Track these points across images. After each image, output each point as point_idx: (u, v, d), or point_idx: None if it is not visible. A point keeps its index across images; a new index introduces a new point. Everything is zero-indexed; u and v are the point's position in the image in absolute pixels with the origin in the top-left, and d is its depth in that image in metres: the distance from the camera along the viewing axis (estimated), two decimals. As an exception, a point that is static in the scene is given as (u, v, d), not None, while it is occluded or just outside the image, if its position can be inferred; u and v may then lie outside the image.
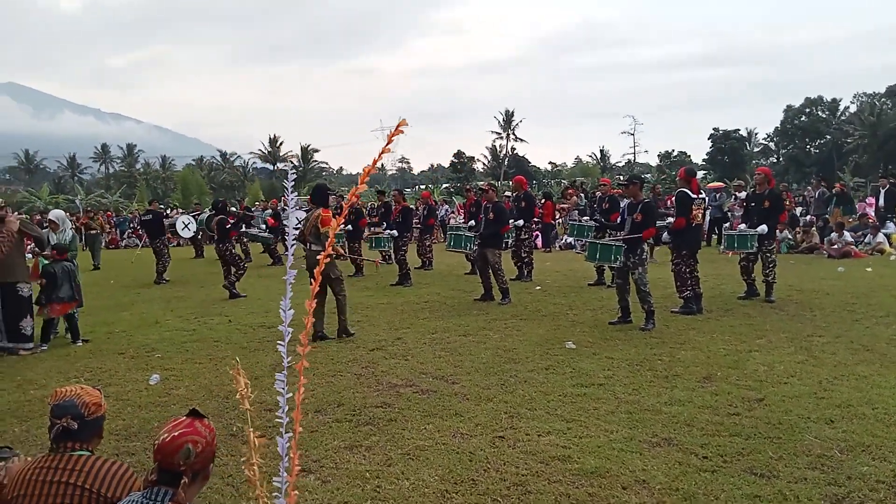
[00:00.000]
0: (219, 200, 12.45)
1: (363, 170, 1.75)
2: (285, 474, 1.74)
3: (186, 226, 17.82)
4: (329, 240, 1.92)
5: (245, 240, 17.78)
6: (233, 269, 11.03)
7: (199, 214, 19.49)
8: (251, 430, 1.78)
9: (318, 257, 1.84)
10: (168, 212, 23.43)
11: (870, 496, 3.32)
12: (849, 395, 4.83)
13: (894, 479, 3.49)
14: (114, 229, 27.90)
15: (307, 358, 1.75)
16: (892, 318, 7.45)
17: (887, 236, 14.89)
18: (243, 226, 17.78)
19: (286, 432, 1.72)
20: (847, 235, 14.49)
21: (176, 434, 1.91)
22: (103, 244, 21.25)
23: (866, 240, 14.87)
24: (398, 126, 1.67)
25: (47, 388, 5.71)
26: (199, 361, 6.57)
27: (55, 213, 8.35)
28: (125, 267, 17.35)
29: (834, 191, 17.73)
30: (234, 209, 18.28)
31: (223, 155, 77.97)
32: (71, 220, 10.38)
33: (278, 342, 1.78)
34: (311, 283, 1.79)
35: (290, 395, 1.77)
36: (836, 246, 14.21)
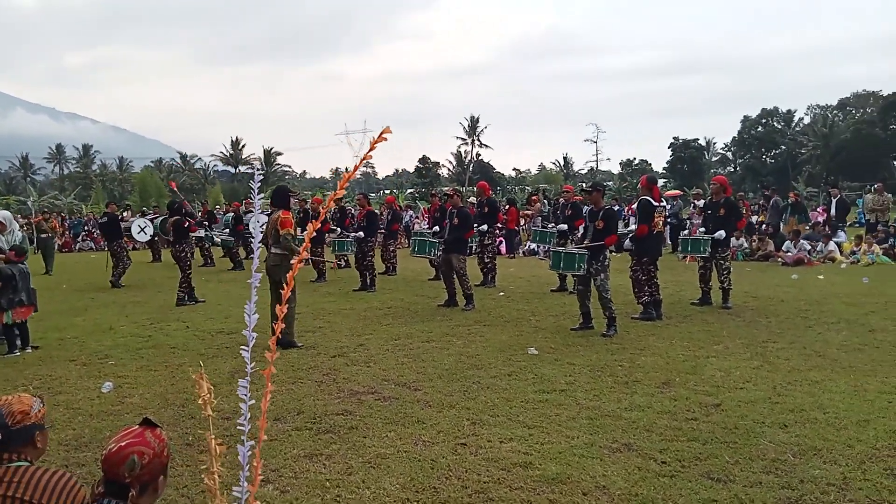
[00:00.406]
0: (174, 201, 12.18)
1: (342, 175, 1.72)
2: (246, 484, 1.69)
3: (143, 229, 17.40)
4: (304, 243, 1.86)
5: (207, 244, 17.47)
6: (182, 276, 10.64)
7: (156, 218, 19.10)
8: (212, 437, 1.72)
9: (293, 261, 1.80)
10: (123, 214, 22.85)
11: (821, 499, 3.40)
12: (802, 400, 4.95)
13: (843, 482, 3.58)
14: (67, 232, 27.12)
15: (265, 364, 1.71)
16: (842, 325, 7.68)
17: (838, 245, 15.37)
18: (205, 225, 17.48)
19: (248, 440, 1.67)
20: (804, 243, 14.92)
21: (123, 444, 1.84)
22: (56, 248, 20.62)
23: (818, 248, 15.32)
24: (381, 133, 1.65)
25: (-7, 396, 5.49)
26: (155, 369, 6.41)
27: (2, 214, 8.06)
28: (78, 271, 16.88)
29: (789, 201, 18.26)
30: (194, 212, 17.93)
31: (183, 157, 76.56)
32: (23, 222, 10.03)
33: (241, 347, 1.73)
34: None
35: (253, 401, 1.72)
36: (789, 253, 14.61)
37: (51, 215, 22.53)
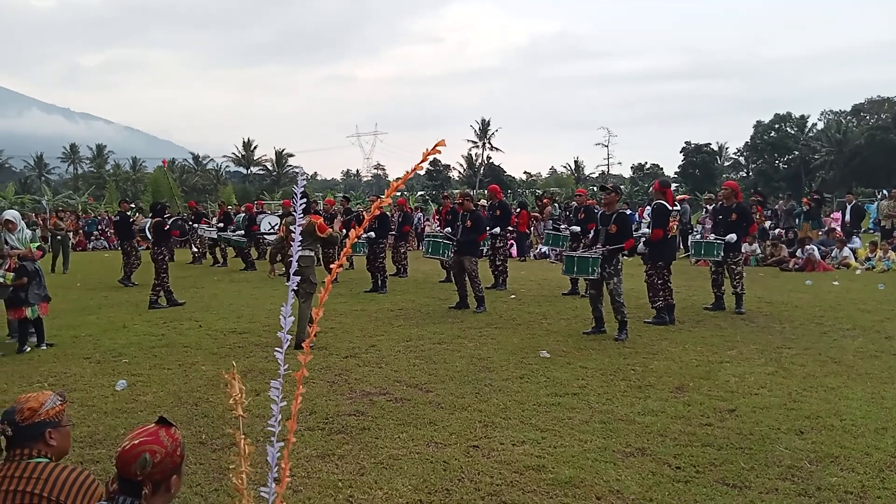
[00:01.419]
0: (157, 203, 12.32)
1: (391, 184, 1.72)
2: (273, 485, 1.69)
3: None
4: (346, 249, 1.84)
5: (222, 245, 17.56)
6: (155, 278, 10.36)
7: (169, 218, 19.18)
8: (242, 437, 1.73)
9: (332, 266, 1.80)
10: (136, 215, 22.92)
11: (839, 507, 3.36)
12: (818, 407, 4.90)
13: (861, 490, 3.54)
14: (81, 231, 27.34)
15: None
16: (858, 331, 7.60)
17: (853, 251, 15.23)
18: (194, 228, 17.58)
19: (277, 441, 1.68)
20: (810, 248, 14.79)
21: (136, 442, 1.84)
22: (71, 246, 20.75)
23: (833, 254, 15.18)
24: (436, 145, 1.66)
25: (8, 393, 5.54)
26: (168, 367, 6.44)
27: (11, 213, 8.13)
28: (92, 269, 17.01)
29: (803, 207, 18.13)
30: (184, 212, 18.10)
31: (195, 157, 77.01)
32: (37, 221, 10.09)
33: (276, 349, 1.74)
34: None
35: (285, 403, 1.72)
36: (800, 257, 14.51)
37: (66, 214, 22.67)
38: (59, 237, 17.42)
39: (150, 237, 11.07)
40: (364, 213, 14.88)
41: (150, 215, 11.41)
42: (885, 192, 20.49)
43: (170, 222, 11.19)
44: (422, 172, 76.84)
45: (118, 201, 19.82)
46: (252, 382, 5.77)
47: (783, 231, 17.28)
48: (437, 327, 8.25)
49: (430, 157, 1.64)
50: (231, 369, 1.85)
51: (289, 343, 1.72)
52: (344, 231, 8.47)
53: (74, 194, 51.30)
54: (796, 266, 14.25)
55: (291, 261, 1.76)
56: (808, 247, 14.83)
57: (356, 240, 1.77)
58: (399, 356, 6.73)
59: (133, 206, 20.24)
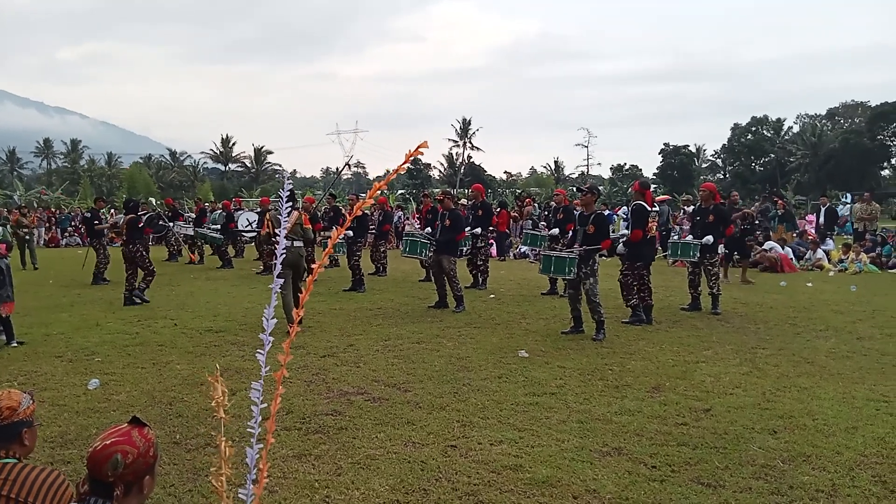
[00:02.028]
0: (131, 199, 12.17)
1: (374, 184, 1.71)
2: (252, 486, 1.67)
3: None
4: (328, 249, 1.84)
5: (199, 242, 17.35)
6: (141, 274, 10.43)
7: (143, 214, 18.95)
8: (223, 439, 1.70)
9: (313, 266, 1.79)
10: (110, 212, 22.50)
11: (811, 505, 3.41)
12: (791, 407, 4.97)
13: (832, 488, 3.59)
14: (55, 227, 26.87)
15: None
16: (831, 332, 7.73)
17: (826, 253, 15.49)
18: (162, 222, 17.37)
19: (256, 443, 1.66)
20: (777, 247, 15.03)
21: (108, 443, 1.81)
22: (39, 243, 20.40)
23: (807, 256, 15.43)
24: (418, 147, 1.67)
25: (-23, 392, 5.41)
26: (142, 366, 6.34)
27: None
28: (65, 266, 16.70)
29: (777, 210, 18.41)
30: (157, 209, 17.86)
31: (173, 154, 76.06)
32: (8, 217, 9.89)
33: (258, 350, 1.71)
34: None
35: (265, 404, 1.71)
36: (769, 254, 14.76)
37: (29, 210, 22.18)
38: (22, 234, 17.07)
39: (123, 234, 10.92)
40: (344, 209, 14.83)
41: (124, 212, 11.25)
42: (848, 195, 20.87)
43: (144, 219, 11.04)
44: (402, 171, 76.67)
45: (94, 198, 19.42)
46: (228, 382, 5.67)
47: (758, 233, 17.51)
48: (415, 326, 8.23)
49: (412, 158, 1.63)
50: (214, 372, 1.83)
51: (271, 344, 1.70)
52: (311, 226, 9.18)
53: (48, 189, 50.41)
54: (762, 266, 14.49)
55: (275, 262, 1.74)
56: (768, 243, 15.07)
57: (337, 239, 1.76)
58: (377, 355, 6.70)
59: (107, 204, 19.73)
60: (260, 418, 1.65)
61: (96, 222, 13.67)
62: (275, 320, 1.69)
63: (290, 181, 1.88)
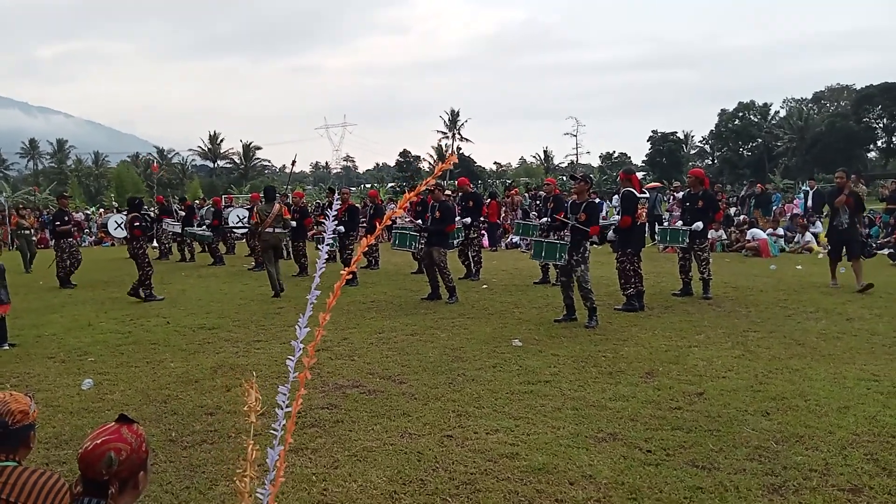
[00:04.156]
0: (135, 198, 12.06)
1: (405, 196, 1.74)
2: (269, 486, 1.70)
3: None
4: (362, 245, 1.88)
5: (188, 240, 17.26)
6: (138, 273, 10.51)
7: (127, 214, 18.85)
8: (251, 443, 1.73)
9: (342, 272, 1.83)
10: (93, 212, 22.28)
11: (804, 484, 3.45)
12: (783, 388, 5.01)
13: (825, 468, 3.63)
14: (44, 229, 26.66)
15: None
16: (821, 314, 7.79)
17: (815, 235, 15.59)
18: (144, 223, 17.23)
19: (279, 444, 1.69)
20: (759, 233, 15.17)
21: (98, 442, 1.80)
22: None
23: (795, 239, 15.53)
24: (448, 159, 1.76)
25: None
26: (136, 365, 6.32)
27: None
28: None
29: (754, 190, 18.54)
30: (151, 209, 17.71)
31: (160, 152, 75.57)
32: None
33: (288, 357, 1.74)
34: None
35: (289, 409, 1.74)
36: (752, 243, 14.92)
37: (27, 211, 21.99)
38: (26, 235, 16.88)
39: (111, 234, 10.89)
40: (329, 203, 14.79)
41: (126, 211, 11.20)
42: (808, 180, 21.08)
43: (128, 219, 11.02)
44: (392, 164, 76.55)
45: (56, 196, 19.07)
46: (222, 378, 5.71)
47: (746, 217, 17.65)
48: (409, 319, 8.24)
49: (414, 158, 1.64)
50: (250, 379, 1.86)
51: (301, 351, 1.73)
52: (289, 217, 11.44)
53: (35, 191, 49.96)
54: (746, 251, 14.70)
55: (315, 276, 1.76)
56: (751, 232, 15.23)
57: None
58: (372, 348, 6.71)
59: (69, 201, 19.08)
60: (284, 421, 1.68)
61: (58, 223, 13.06)
62: (307, 329, 1.72)
63: (338, 198, 1.90)
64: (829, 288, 9.63)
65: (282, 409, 1.68)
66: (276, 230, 10.50)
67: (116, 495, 1.81)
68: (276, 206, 10.58)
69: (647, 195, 13.98)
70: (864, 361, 5.70)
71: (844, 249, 9.83)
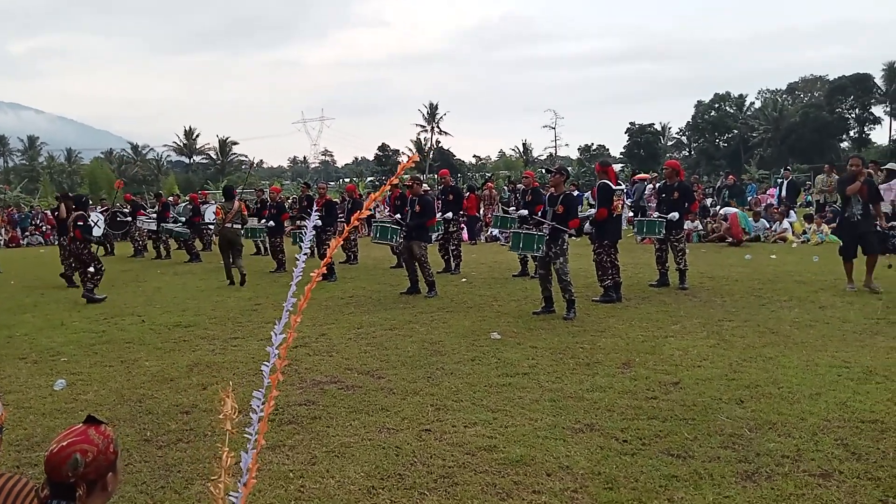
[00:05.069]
0: (81, 195, 12.03)
1: (370, 196, 1.74)
2: (242, 489, 1.69)
3: (96, 223, 16.88)
4: (337, 239, 1.87)
5: (164, 236, 17.03)
6: (89, 271, 10.22)
7: (106, 211, 18.57)
8: (226, 450, 1.72)
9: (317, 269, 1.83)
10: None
11: (776, 470, 3.50)
12: (757, 376, 5.08)
13: (797, 454, 3.69)
14: (15, 227, 26.17)
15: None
16: (794, 303, 7.91)
17: (790, 224, 15.81)
18: (121, 219, 17.01)
19: (252, 448, 1.67)
20: (730, 210, 15.47)
21: (64, 444, 1.77)
22: (0, 243, 19.81)
23: (772, 228, 15.74)
24: (410, 159, 1.78)
25: (-63, 398, 5.27)
26: (110, 364, 6.23)
27: None
28: (27, 266, 16.32)
29: (727, 181, 18.78)
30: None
31: (134, 147, 74.47)
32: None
33: (263, 363, 1.73)
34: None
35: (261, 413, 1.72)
36: (725, 225, 15.19)
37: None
38: None
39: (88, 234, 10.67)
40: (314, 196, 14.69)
41: (74, 207, 10.96)
42: (783, 171, 21.41)
43: (90, 219, 10.85)
44: (371, 158, 76.23)
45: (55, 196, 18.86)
46: (198, 377, 5.65)
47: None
48: (388, 313, 8.22)
49: (390, 152, 1.63)
50: (226, 387, 1.84)
51: (276, 356, 1.72)
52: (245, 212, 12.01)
53: (6, 189, 49.00)
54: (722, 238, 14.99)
55: (291, 284, 1.74)
56: (724, 210, 15.51)
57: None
58: (350, 343, 6.69)
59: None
60: (257, 425, 1.67)
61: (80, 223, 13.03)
62: (283, 335, 1.71)
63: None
64: (802, 276, 9.77)
65: (256, 413, 1.66)
66: (234, 225, 11.42)
67: (84, 498, 1.79)
68: (236, 203, 11.48)
69: (623, 187, 14.09)
70: (835, 348, 5.80)
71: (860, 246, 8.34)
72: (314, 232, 1.90)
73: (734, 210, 15.28)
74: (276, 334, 1.72)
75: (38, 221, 26.76)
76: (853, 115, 61.56)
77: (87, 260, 10.33)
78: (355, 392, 5.09)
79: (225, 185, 12.81)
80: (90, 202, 11.97)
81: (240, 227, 11.65)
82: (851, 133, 62.68)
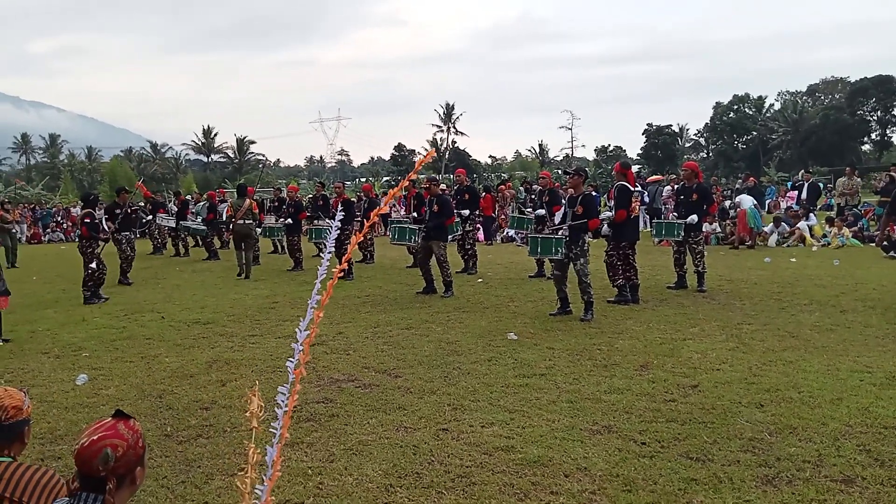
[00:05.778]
0: (90, 193, 12.07)
1: (389, 191, 1.78)
2: (267, 482, 1.72)
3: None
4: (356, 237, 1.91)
5: (183, 234, 17.19)
6: (91, 267, 9.93)
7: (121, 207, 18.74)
8: (252, 446, 1.75)
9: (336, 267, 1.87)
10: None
11: (797, 475, 3.47)
12: (777, 380, 5.03)
13: (818, 459, 3.65)
14: (36, 223, 26.57)
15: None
16: (815, 306, 7.82)
17: (810, 228, 15.64)
18: (141, 214, 17.13)
19: (277, 442, 1.71)
20: (743, 201, 15.30)
21: (95, 438, 1.80)
22: (21, 240, 20.07)
23: (792, 230, 15.57)
24: (427, 155, 1.76)
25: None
26: (131, 360, 6.31)
27: None
28: (48, 263, 16.55)
29: (746, 184, 18.60)
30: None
31: (153, 146, 75.26)
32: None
33: (288, 360, 1.76)
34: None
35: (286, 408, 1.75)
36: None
37: (10, 206, 21.82)
38: (7, 230, 16.79)
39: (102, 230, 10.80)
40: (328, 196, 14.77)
41: (81, 206, 11.07)
42: (800, 174, 21.18)
43: (80, 215, 10.94)
44: (387, 158, 76.41)
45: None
46: (217, 373, 5.70)
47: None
48: (404, 312, 8.24)
49: (404, 151, 1.65)
50: (253, 387, 1.87)
51: (301, 351, 1.75)
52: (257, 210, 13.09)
53: (28, 185, 49.72)
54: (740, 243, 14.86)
55: (315, 283, 1.77)
56: (739, 197, 15.36)
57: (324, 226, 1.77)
58: (367, 342, 6.71)
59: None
60: (282, 420, 1.70)
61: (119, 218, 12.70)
62: (307, 332, 1.73)
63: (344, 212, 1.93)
64: (822, 280, 9.66)
65: (281, 408, 1.69)
66: (247, 221, 12.24)
67: (114, 491, 1.81)
68: (247, 201, 12.27)
69: (641, 188, 14.01)
70: (857, 353, 5.73)
71: None
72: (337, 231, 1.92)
73: (746, 206, 15.06)
74: (300, 331, 1.74)
75: (59, 218, 27.13)
76: (875, 118, 60.77)
77: (87, 261, 10.00)
78: (372, 390, 5.11)
79: (239, 184, 13.33)
80: (99, 200, 12.06)
81: (252, 223, 12.29)
82: (873, 136, 61.88)
